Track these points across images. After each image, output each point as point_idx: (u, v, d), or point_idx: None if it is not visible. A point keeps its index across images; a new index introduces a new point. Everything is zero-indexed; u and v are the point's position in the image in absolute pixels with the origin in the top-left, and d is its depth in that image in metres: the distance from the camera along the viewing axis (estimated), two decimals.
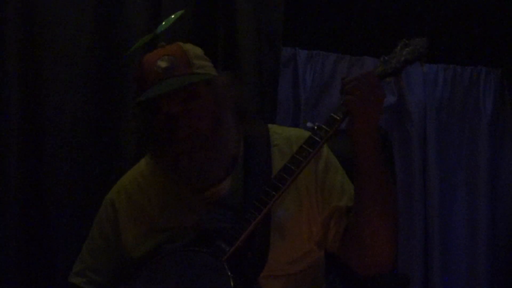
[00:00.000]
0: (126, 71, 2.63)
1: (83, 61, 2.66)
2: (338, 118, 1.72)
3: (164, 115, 1.74)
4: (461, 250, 3.20)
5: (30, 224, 2.59)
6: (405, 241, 3.08)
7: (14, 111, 2.56)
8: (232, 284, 1.61)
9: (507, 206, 3.23)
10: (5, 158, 2.54)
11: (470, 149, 3.24)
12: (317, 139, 1.71)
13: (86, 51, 2.66)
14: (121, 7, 2.70)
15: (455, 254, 3.19)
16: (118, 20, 2.69)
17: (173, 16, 1.92)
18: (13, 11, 2.58)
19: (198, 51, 1.83)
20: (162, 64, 1.74)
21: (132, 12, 2.69)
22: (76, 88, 2.64)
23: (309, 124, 1.74)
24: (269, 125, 1.91)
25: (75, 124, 2.64)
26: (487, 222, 3.20)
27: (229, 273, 1.62)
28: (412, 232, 3.12)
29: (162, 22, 1.91)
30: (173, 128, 1.73)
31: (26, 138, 2.59)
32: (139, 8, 2.70)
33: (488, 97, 3.24)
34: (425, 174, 3.15)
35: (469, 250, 3.20)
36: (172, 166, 1.75)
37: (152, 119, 1.76)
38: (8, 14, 2.57)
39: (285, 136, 1.87)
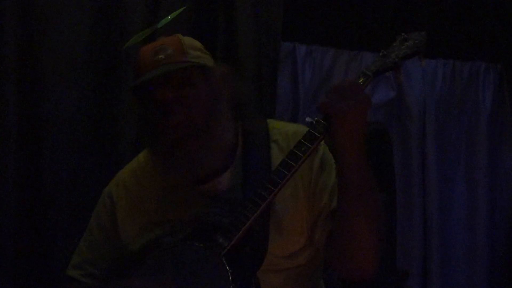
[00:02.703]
0: (125, 66, 2.63)
1: (82, 55, 2.66)
2: None
3: (158, 102, 1.73)
4: (460, 244, 3.20)
5: (29, 218, 2.59)
6: (405, 236, 3.08)
7: (12, 107, 2.56)
8: (230, 279, 1.61)
9: (506, 200, 3.24)
10: (4, 153, 2.54)
11: (469, 144, 3.24)
12: (316, 133, 1.70)
13: (85, 45, 2.66)
14: (120, 0, 2.69)
15: (454, 248, 3.20)
16: (117, 14, 2.69)
17: (173, 14, 1.92)
18: (12, 6, 2.57)
19: (196, 43, 1.83)
20: (158, 52, 1.75)
21: (131, 6, 2.69)
22: (75, 83, 2.65)
23: (308, 119, 1.73)
24: (269, 120, 1.91)
25: (74, 118, 2.64)
26: (486, 217, 3.20)
27: (228, 268, 1.62)
28: (412, 227, 3.12)
29: (161, 15, 1.91)
30: (166, 115, 1.72)
31: (24, 133, 2.58)
32: (138, 2, 2.69)
33: (488, 92, 3.24)
34: (424, 169, 3.15)
35: (468, 244, 3.20)
36: (166, 155, 1.74)
37: (147, 107, 1.76)
38: (7, 8, 2.57)
39: (283, 132, 1.86)
